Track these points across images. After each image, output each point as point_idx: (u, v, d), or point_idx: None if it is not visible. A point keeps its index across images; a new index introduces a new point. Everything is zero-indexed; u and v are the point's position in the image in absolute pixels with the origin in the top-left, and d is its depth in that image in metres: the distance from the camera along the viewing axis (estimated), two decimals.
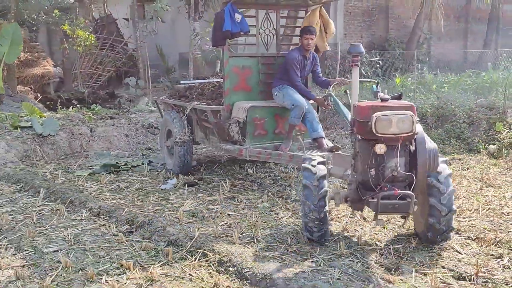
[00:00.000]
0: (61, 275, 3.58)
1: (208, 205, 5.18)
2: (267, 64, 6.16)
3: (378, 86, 4.38)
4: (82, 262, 3.83)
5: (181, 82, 7.60)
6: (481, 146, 7.36)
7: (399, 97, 3.90)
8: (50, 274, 3.57)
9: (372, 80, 4.84)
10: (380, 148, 3.50)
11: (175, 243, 4.06)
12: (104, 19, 16.49)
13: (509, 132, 7.43)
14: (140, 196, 5.67)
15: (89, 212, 5.04)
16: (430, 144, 3.60)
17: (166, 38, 16.00)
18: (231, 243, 3.99)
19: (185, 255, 3.84)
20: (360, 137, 3.75)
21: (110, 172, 6.79)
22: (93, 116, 9.37)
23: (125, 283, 3.42)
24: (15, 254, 4.02)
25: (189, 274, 3.52)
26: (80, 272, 3.63)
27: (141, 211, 5.00)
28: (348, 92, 4.94)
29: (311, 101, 5.81)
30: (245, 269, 3.44)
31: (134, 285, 3.40)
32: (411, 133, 3.50)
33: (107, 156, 7.90)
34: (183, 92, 7.03)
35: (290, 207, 5.04)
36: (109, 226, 4.62)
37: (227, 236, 4.24)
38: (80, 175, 6.69)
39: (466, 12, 20.88)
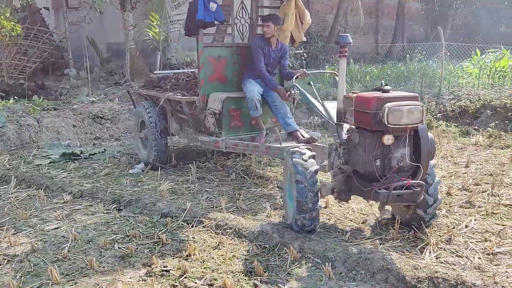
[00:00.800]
0: (74, 246, 3.94)
1: (183, 185, 5.67)
2: (242, 55, 6.10)
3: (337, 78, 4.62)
4: (87, 235, 4.20)
5: (155, 72, 7.60)
6: None
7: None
8: (63, 246, 3.92)
9: (334, 72, 5.14)
10: (388, 139, 3.48)
11: (169, 215, 4.54)
12: (27, 9, 15.85)
13: (427, 116, 8.66)
14: (113, 180, 6.00)
15: (70, 195, 5.33)
16: (429, 134, 3.68)
17: (94, 29, 15.79)
18: (220, 211, 4.57)
19: (182, 224, 4.36)
20: (360, 128, 3.73)
21: (70, 161, 6.96)
22: (36, 108, 9.30)
23: (138, 248, 3.87)
24: (16, 233, 4.28)
25: (192, 237, 4.05)
26: (90, 243, 4.02)
27: (122, 192, 5.37)
28: (311, 84, 5.27)
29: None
30: (243, 229, 4.05)
31: (147, 249, 3.86)
32: (420, 124, 3.53)
33: (58, 146, 8.00)
34: (156, 83, 6.96)
35: (258, 182, 5.69)
36: (96, 206, 4.98)
37: (212, 207, 4.80)
38: (40, 164, 6.82)
39: (376, 8, 22.72)
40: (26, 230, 4.34)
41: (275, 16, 5.81)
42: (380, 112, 3.42)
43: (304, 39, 6.31)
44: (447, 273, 3.16)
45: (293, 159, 3.93)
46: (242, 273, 3.41)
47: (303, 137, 5.50)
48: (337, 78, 4.52)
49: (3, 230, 4.32)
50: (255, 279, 3.32)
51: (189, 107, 5.81)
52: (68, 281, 3.36)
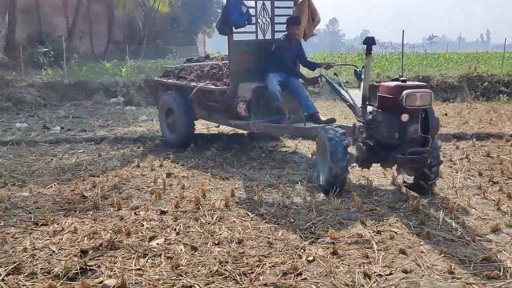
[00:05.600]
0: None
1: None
2: (263, 49, 6.76)
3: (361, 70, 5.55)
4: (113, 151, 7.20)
5: (183, 64, 8.75)
6: None
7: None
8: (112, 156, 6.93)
9: (354, 64, 6.25)
10: (405, 117, 4.29)
11: (140, 139, 7.86)
12: None
13: None
14: (50, 135, 8.41)
15: (46, 143, 7.63)
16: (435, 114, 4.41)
17: None
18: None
19: (158, 142, 7.79)
20: (383, 109, 4.52)
21: None
22: None
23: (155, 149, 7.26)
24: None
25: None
26: (124, 152, 7.11)
27: (86, 135, 8.16)
28: (337, 75, 6.62)
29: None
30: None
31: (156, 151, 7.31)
32: (429, 105, 4.31)
33: None
34: (176, 73, 7.73)
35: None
36: (81, 144, 7.65)
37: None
38: None
39: (88, 14, 25.84)
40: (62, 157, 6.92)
41: (300, 19, 6.67)
42: (400, 97, 4.28)
43: (315, 34, 6.98)
44: None
45: (326, 127, 4.96)
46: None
47: (323, 118, 6.24)
48: (358, 69, 5.76)
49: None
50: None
51: (221, 96, 6.56)
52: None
